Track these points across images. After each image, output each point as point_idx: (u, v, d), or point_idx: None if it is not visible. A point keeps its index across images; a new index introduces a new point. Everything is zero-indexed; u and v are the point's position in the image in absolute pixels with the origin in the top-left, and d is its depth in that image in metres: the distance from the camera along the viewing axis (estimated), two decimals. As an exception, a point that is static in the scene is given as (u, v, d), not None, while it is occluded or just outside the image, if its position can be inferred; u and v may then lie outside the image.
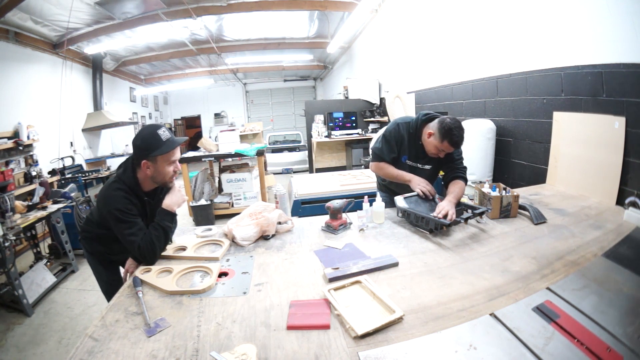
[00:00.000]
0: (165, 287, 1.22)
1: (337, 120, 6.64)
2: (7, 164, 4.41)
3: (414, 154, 2.01)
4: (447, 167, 2.01)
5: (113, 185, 1.49)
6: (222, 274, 1.33)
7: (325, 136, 6.54)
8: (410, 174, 1.98)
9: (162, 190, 1.61)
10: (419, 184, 1.89)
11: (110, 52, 7.21)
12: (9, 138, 4.55)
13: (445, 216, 1.57)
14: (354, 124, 6.67)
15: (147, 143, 1.46)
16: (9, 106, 4.75)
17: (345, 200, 1.79)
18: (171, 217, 1.51)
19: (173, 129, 12.33)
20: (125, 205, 1.44)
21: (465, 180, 1.94)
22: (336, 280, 1.22)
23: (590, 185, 2.06)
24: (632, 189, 1.82)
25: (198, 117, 13.36)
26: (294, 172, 8.20)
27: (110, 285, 1.69)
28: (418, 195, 1.86)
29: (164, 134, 1.48)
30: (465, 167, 2.00)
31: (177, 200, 1.55)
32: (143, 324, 1.02)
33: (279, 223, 1.75)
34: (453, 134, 1.76)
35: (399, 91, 4.95)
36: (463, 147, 1.94)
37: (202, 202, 4.60)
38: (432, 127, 1.85)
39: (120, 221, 1.42)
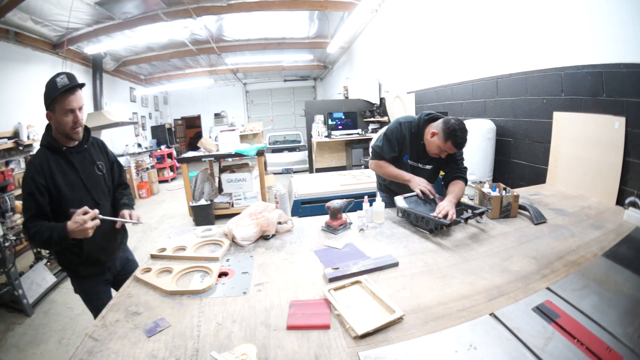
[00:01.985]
0: (165, 287, 1.22)
1: (337, 120, 6.65)
2: (7, 164, 4.42)
3: (415, 154, 2.01)
4: (447, 167, 2.01)
5: (34, 154, 1.51)
6: (222, 274, 1.33)
7: (325, 136, 6.54)
8: (409, 173, 1.98)
9: (87, 141, 1.57)
10: (419, 184, 1.89)
11: (110, 52, 7.21)
12: (9, 138, 4.55)
13: (445, 216, 1.57)
14: (354, 124, 6.67)
15: (46, 93, 1.41)
16: (9, 106, 4.75)
17: (345, 200, 1.79)
18: (60, 236, 1.34)
19: (173, 129, 12.32)
20: (26, 179, 1.41)
21: (466, 181, 1.94)
22: (336, 280, 1.22)
23: (590, 185, 2.06)
24: (632, 189, 1.82)
25: (198, 117, 13.35)
26: (294, 172, 8.20)
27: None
28: (417, 195, 1.86)
29: (61, 80, 1.39)
30: (465, 168, 2.00)
31: (74, 229, 1.33)
32: (143, 324, 1.02)
33: (279, 223, 1.75)
34: (457, 135, 1.76)
35: (399, 91, 4.95)
36: (463, 147, 1.94)
37: (202, 202, 4.60)
38: (436, 126, 1.85)
39: (22, 196, 1.42)
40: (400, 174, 1.99)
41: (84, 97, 1.49)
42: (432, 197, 1.85)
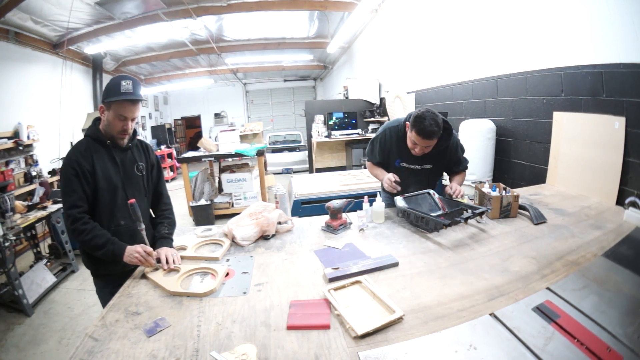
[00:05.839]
0: (169, 287, 1.22)
1: (337, 120, 6.64)
2: (7, 164, 4.41)
3: (406, 156, 1.95)
4: (450, 167, 2.02)
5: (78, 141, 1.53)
6: (222, 274, 1.33)
7: (325, 136, 6.54)
8: (382, 172, 2.00)
9: (131, 142, 1.57)
10: (386, 182, 1.88)
11: (110, 52, 7.20)
12: (9, 138, 4.55)
13: (446, 215, 1.58)
14: (354, 124, 6.67)
15: (107, 88, 1.44)
16: (9, 106, 4.74)
17: (345, 200, 1.79)
18: (112, 251, 1.37)
19: (173, 129, 12.32)
20: (71, 161, 1.40)
21: (465, 169, 2.03)
22: (336, 280, 1.22)
23: (590, 185, 2.06)
24: (632, 189, 1.82)
25: (198, 117, 13.35)
26: (294, 172, 8.19)
27: None
28: (384, 187, 1.88)
29: (126, 86, 1.40)
30: (466, 160, 2.03)
31: (129, 259, 1.37)
32: (143, 324, 1.02)
33: (279, 223, 1.75)
34: (420, 123, 1.66)
35: (399, 91, 4.95)
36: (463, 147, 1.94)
37: (202, 202, 4.60)
38: (409, 121, 1.81)
39: (63, 179, 1.42)
40: (376, 174, 2.05)
41: (141, 109, 1.49)
42: (398, 184, 1.84)
